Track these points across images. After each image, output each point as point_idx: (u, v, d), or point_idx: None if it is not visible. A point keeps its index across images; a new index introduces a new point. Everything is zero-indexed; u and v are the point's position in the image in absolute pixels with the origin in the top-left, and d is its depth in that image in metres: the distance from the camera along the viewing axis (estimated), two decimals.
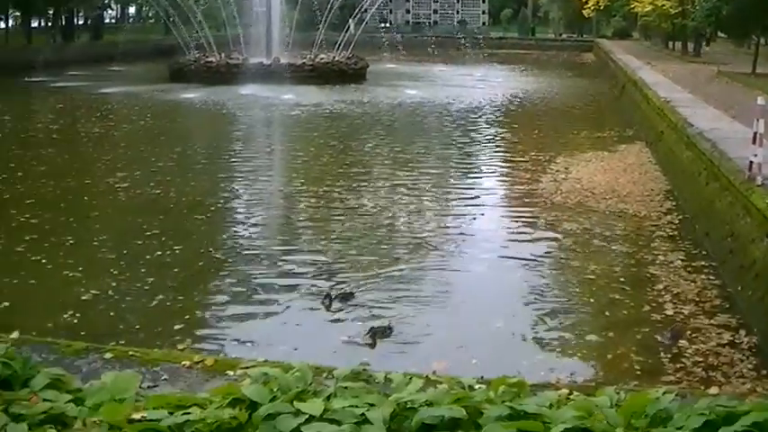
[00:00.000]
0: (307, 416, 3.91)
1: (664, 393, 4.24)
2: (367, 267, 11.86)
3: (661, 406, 4.07)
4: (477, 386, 4.86)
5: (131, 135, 23.91)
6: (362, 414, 4.04)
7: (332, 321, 9.91)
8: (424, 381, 4.84)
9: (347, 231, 14.00)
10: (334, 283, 11.02)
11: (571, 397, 4.60)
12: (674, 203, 15.80)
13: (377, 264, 12.04)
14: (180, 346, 8.80)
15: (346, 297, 10.34)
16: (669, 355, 8.91)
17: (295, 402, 4.03)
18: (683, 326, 9.23)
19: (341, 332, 9.47)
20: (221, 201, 16.13)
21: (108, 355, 5.91)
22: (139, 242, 12.84)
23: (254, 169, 19.43)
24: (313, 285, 11.07)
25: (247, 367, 5.41)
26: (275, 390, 4.29)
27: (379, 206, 15.70)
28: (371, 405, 4.19)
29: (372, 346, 8.89)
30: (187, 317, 9.97)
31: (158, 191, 16.39)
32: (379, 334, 9.07)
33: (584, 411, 4.03)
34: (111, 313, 10.03)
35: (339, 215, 14.99)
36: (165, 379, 5.50)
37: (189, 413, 4.00)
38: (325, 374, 5.17)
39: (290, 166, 20.58)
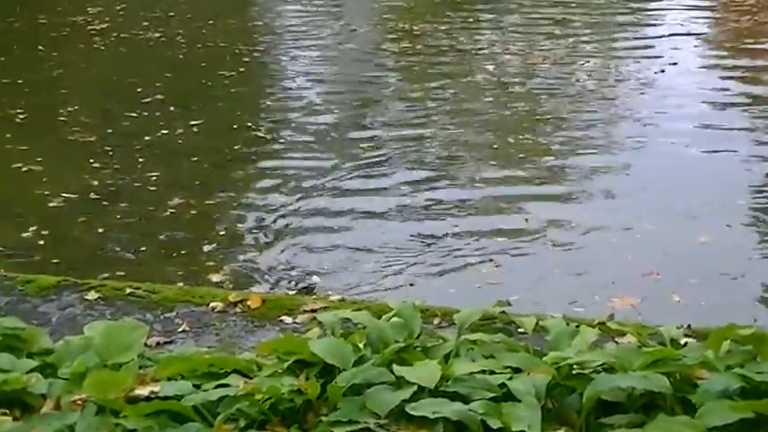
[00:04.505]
0: (414, 387, 3.90)
1: None
2: (494, 150, 11.79)
3: None
4: (683, 339, 4.77)
5: None
6: (503, 384, 3.98)
7: (453, 235, 9.74)
8: (598, 330, 4.76)
9: (459, 90, 13.94)
10: (442, 178, 10.96)
11: None
12: None
13: (512, 144, 11.94)
14: (214, 278, 8.70)
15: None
16: None
17: (395, 366, 3.99)
18: None
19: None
20: (259, 47, 16.13)
21: (93, 295, 5.97)
22: (133, 114, 12.86)
23: None
24: (411, 169, 11.12)
25: (315, 310, 5.39)
26: (362, 345, 4.25)
27: (510, 52, 15.58)
28: (516, 370, 4.13)
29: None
30: (222, 232, 9.86)
31: (157, 34, 16.44)
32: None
33: None
34: (100, 229, 9.97)
35: (445, 66, 14.90)
36: (185, 331, 5.52)
37: (226, 385, 3.98)
38: (438, 319, 5.12)
39: None
